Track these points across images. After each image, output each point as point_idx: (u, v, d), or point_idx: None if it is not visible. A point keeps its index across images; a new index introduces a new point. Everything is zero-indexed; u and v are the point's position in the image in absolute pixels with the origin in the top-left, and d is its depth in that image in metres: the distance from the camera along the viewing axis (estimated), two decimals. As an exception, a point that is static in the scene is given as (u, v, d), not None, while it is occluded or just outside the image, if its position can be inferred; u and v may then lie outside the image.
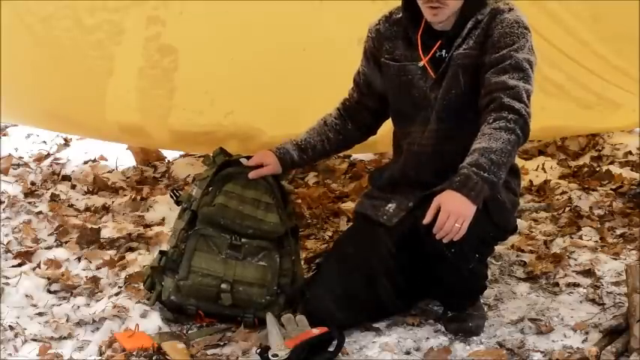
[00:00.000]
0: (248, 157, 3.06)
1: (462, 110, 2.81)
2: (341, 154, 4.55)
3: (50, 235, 3.73)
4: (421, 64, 2.83)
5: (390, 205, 2.94)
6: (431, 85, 2.84)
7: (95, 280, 3.31)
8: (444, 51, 2.82)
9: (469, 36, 2.79)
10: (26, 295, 3.19)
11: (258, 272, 2.93)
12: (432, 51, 2.83)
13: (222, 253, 2.93)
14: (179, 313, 3.00)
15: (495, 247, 3.08)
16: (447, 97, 2.81)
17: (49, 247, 3.61)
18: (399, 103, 2.96)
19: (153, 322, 2.99)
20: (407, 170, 2.95)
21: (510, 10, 2.79)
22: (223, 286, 2.90)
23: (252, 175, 2.98)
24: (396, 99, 2.96)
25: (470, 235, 2.66)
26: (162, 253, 3.03)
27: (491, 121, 2.64)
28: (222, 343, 2.90)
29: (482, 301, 3.02)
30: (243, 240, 2.94)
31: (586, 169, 4.36)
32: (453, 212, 2.54)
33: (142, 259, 3.45)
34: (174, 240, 3.00)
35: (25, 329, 2.98)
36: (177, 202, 3.11)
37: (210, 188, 2.99)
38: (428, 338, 2.89)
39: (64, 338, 2.95)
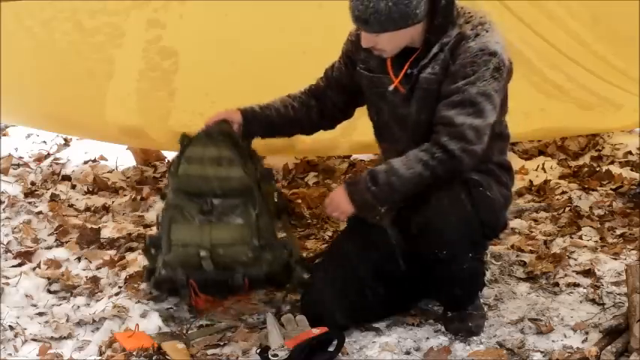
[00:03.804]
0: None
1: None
2: (341, 155, 4.56)
3: (50, 235, 3.74)
4: (391, 87, 2.81)
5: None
6: (400, 100, 2.82)
7: (95, 280, 3.31)
8: (414, 69, 2.77)
9: (435, 59, 2.73)
10: (26, 295, 3.20)
11: (235, 231, 2.89)
12: (403, 71, 2.78)
13: (196, 220, 2.91)
14: (172, 288, 2.99)
15: (489, 244, 3.09)
16: (418, 121, 2.79)
17: (49, 247, 3.62)
18: (373, 111, 2.96)
19: (153, 322, 2.99)
20: None
21: (477, 35, 2.69)
22: (202, 253, 2.88)
23: (207, 121, 2.96)
24: (371, 108, 2.96)
25: (460, 237, 2.70)
26: (149, 236, 3.06)
27: (421, 149, 2.68)
28: (222, 343, 2.90)
29: (482, 301, 3.02)
30: (215, 202, 2.90)
31: (586, 169, 4.36)
32: (333, 204, 2.79)
33: (142, 259, 3.43)
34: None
35: (25, 329, 2.98)
36: (162, 197, 3.11)
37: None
38: (428, 338, 2.90)
39: (64, 338, 2.95)
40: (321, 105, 3.06)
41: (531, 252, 3.51)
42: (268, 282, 3.04)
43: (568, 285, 3.24)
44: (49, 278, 3.32)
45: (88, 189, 4.29)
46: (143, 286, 3.20)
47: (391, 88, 2.81)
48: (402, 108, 2.82)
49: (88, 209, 4.03)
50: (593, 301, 3.12)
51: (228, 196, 2.91)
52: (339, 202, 2.76)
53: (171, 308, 3.12)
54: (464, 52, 2.68)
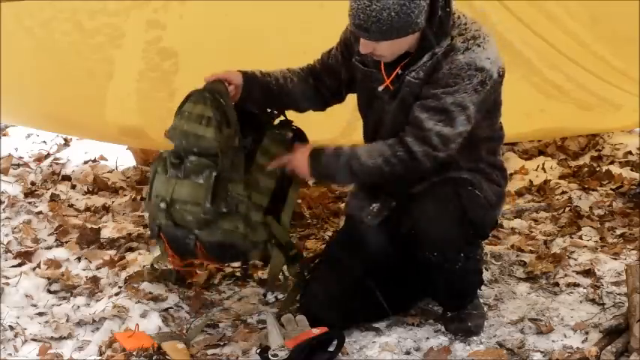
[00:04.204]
0: None
1: None
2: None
3: (50, 235, 3.74)
4: (381, 87, 2.81)
5: (374, 204, 2.94)
6: (388, 98, 2.82)
7: (95, 280, 3.31)
8: (404, 71, 2.77)
9: (423, 66, 2.74)
10: (26, 295, 3.20)
11: (192, 190, 2.85)
12: (394, 73, 2.78)
13: (167, 173, 2.90)
14: (153, 237, 3.00)
15: (484, 243, 3.10)
16: (395, 122, 2.80)
17: (49, 247, 3.62)
18: (363, 106, 2.96)
19: (153, 322, 2.99)
20: None
21: (467, 49, 2.69)
22: (161, 205, 2.87)
23: (207, 77, 2.94)
24: (361, 102, 2.96)
25: (450, 239, 2.72)
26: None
27: (387, 143, 2.73)
28: (222, 343, 2.91)
29: (482, 301, 3.02)
30: (191, 158, 2.87)
31: (586, 169, 4.36)
32: (293, 162, 2.88)
33: (142, 259, 3.45)
34: None
35: (25, 329, 2.98)
36: None
37: None
38: (428, 338, 2.90)
39: (64, 338, 2.95)
40: (317, 84, 3.06)
41: (531, 252, 3.51)
42: (227, 254, 2.96)
43: (568, 285, 3.24)
44: (49, 278, 3.32)
45: (88, 189, 4.29)
46: (143, 285, 3.20)
47: (381, 88, 2.82)
48: (388, 104, 2.83)
49: (88, 209, 4.03)
50: (593, 301, 3.12)
51: (202, 156, 2.87)
52: (299, 164, 2.85)
53: (171, 308, 3.12)
54: (450, 64, 2.69)
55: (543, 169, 4.40)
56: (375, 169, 2.73)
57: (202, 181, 2.85)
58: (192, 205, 2.84)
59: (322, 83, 3.04)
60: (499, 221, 3.09)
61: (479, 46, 2.70)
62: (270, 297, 3.21)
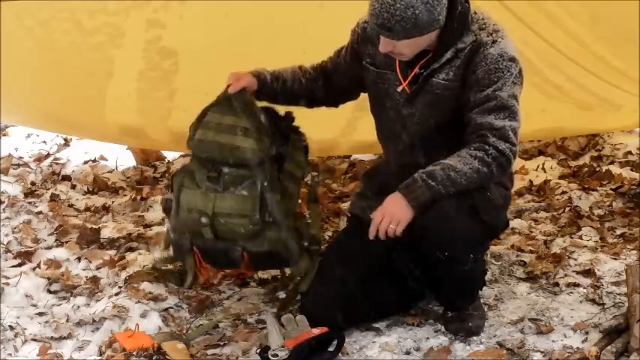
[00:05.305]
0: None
1: (436, 140, 2.81)
2: (341, 155, 4.56)
3: (50, 235, 3.74)
4: (400, 88, 2.81)
5: (379, 205, 2.93)
6: (405, 100, 2.82)
7: (95, 280, 3.31)
8: (424, 71, 2.77)
9: (449, 65, 2.73)
10: (26, 295, 3.20)
11: (237, 202, 2.87)
12: (412, 73, 2.78)
13: (202, 186, 2.90)
14: (178, 252, 2.99)
15: (490, 244, 3.09)
16: (423, 124, 2.79)
17: (49, 247, 3.62)
18: (376, 107, 2.96)
19: (153, 322, 2.99)
20: (395, 177, 2.93)
21: (494, 42, 2.70)
22: (203, 220, 2.87)
23: (231, 89, 2.91)
24: (374, 103, 2.96)
25: (462, 239, 2.70)
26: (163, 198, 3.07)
27: (471, 148, 2.66)
28: (222, 343, 2.91)
29: (482, 301, 3.02)
30: (225, 170, 2.87)
31: (586, 169, 4.36)
32: (387, 213, 2.64)
33: (142, 259, 3.45)
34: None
35: (25, 329, 2.98)
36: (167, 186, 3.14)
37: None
38: (428, 338, 2.90)
39: (64, 338, 2.95)
40: (327, 84, 3.05)
41: (531, 252, 3.51)
42: (271, 262, 2.99)
43: (568, 285, 3.24)
44: (49, 278, 3.32)
45: (88, 189, 4.29)
46: (143, 285, 3.20)
47: (400, 89, 2.81)
48: (405, 108, 2.82)
49: (88, 209, 4.03)
50: (593, 301, 3.12)
51: (239, 167, 2.88)
52: (395, 211, 2.64)
53: (171, 308, 3.12)
54: (484, 59, 2.69)
55: (543, 169, 4.40)
56: (474, 172, 2.63)
57: (246, 192, 2.87)
58: (238, 217, 2.86)
59: (332, 83, 3.04)
60: (509, 224, 3.06)
61: (503, 38, 2.73)
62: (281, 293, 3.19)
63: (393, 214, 2.64)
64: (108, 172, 4.51)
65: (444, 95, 2.75)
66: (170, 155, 4.72)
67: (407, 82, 2.79)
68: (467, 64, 2.71)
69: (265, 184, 2.88)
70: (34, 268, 3.41)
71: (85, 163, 4.65)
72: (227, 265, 2.98)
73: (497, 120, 2.67)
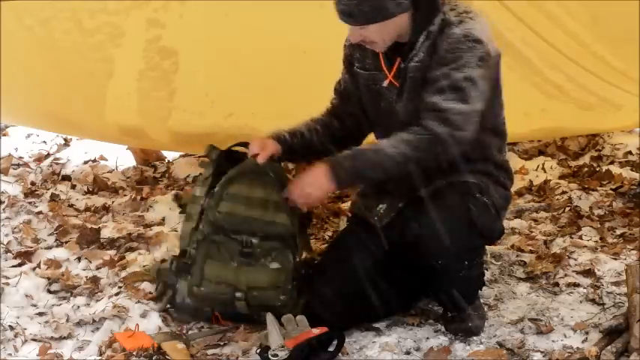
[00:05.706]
0: (241, 144, 2.98)
1: None
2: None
3: (50, 235, 3.73)
4: (385, 83, 2.80)
5: (381, 205, 2.93)
6: (395, 94, 2.81)
7: (95, 280, 3.31)
8: (405, 62, 2.75)
9: (421, 48, 2.71)
10: (26, 295, 3.20)
11: (271, 276, 2.87)
12: (395, 65, 2.77)
13: (234, 260, 2.87)
14: (194, 316, 2.99)
15: (486, 249, 3.08)
16: (407, 112, 2.78)
17: (49, 247, 3.61)
18: (371, 110, 2.93)
19: (153, 322, 2.99)
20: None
21: (461, 22, 2.66)
22: (237, 294, 2.85)
23: (260, 159, 2.84)
24: (369, 107, 2.94)
25: (455, 248, 2.71)
26: (173, 257, 2.99)
27: (408, 131, 2.65)
28: (222, 343, 2.90)
29: (482, 301, 3.02)
30: (254, 241, 2.87)
31: (586, 169, 4.36)
32: (310, 184, 2.72)
33: (142, 259, 3.45)
34: (186, 241, 2.93)
35: (25, 329, 2.98)
36: (181, 206, 3.06)
37: (215, 189, 2.89)
38: (428, 338, 2.90)
39: (64, 338, 2.95)
40: (343, 123, 3.01)
41: (531, 252, 3.51)
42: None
43: (568, 285, 3.24)
44: (49, 278, 3.31)
45: (88, 189, 4.29)
46: (143, 285, 3.20)
47: (385, 83, 2.80)
48: (397, 103, 2.81)
49: (88, 209, 4.03)
50: (593, 301, 3.12)
51: (269, 239, 2.88)
52: (317, 182, 2.69)
53: (171, 308, 3.12)
54: (447, 38, 2.65)
55: (543, 169, 4.39)
56: (402, 157, 2.62)
57: (277, 264, 2.88)
58: (272, 290, 2.87)
59: (347, 117, 3.00)
60: (504, 231, 3.04)
61: (472, 19, 2.68)
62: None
63: (315, 186, 2.70)
64: (108, 172, 4.51)
65: (416, 78, 2.73)
66: (170, 155, 4.72)
67: (392, 74, 2.78)
68: (433, 44, 2.69)
69: (297, 257, 2.90)
70: (34, 268, 3.41)
71: (85, 163, 4.65)
72: (248, 321, 2.96)
73: (446, 101, 2.62)
